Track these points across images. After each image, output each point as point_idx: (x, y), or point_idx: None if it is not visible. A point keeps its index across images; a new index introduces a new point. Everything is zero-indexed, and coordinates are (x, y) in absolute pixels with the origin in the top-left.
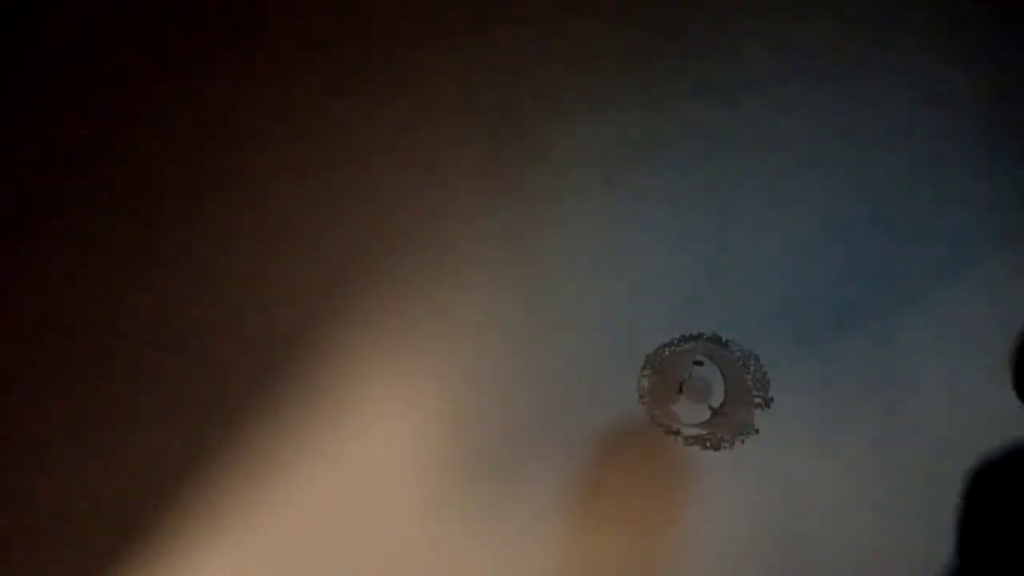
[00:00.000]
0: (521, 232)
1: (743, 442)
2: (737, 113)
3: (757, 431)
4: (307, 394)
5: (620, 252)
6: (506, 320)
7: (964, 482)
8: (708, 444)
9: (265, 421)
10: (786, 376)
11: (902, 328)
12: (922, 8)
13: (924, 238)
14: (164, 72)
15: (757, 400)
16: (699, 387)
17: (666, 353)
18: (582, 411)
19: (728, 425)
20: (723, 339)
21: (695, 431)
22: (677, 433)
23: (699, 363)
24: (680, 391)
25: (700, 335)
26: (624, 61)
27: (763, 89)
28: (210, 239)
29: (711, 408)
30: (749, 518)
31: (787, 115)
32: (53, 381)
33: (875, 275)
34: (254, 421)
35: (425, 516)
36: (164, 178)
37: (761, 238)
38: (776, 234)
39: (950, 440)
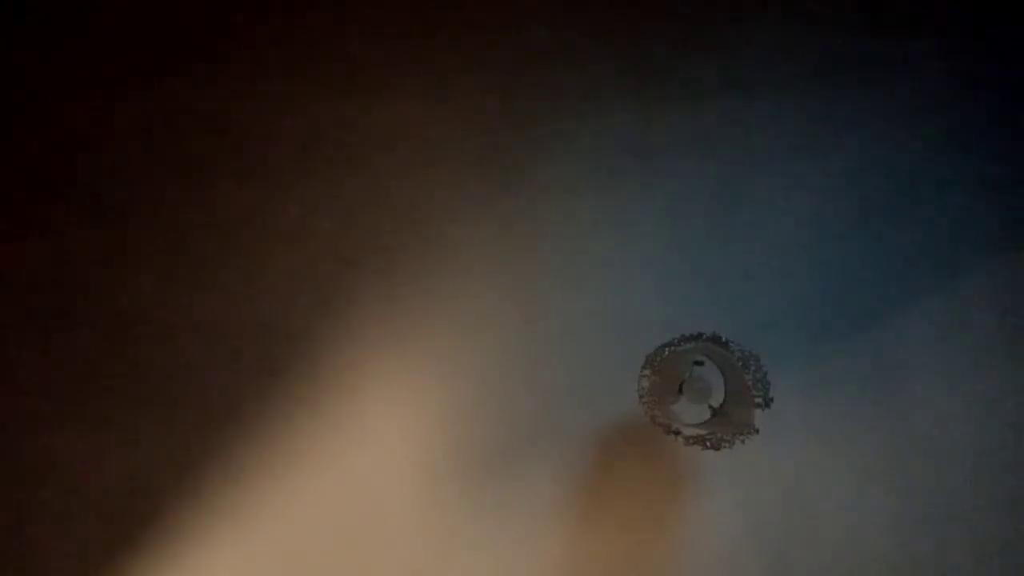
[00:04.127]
0: (521, 233)
1: (743, 442)
2: (736, 115)
3: (757, 431)
4: (308, 394)
5: (620, 253)
6: (506, 321)
7: None
8: (708, 444)
9: (265, 421)
10: (786, 376)
11: (902, 328)
12: (924, 13)
13: (924, 240)
14: (166, 73)
15: (757, 400)
16: (699, 387)
17: (666, 353)
18: (582, 411)
19: (728, 425)
20: (723, 339)
21: (695, 431)
22: (677, 433)
23: (699, 363)
24: (680, 391)
25: (700, 335)
26: (624, 64)
27: (762, 92)
28: (211, 240)
29: (711, 408)
30: (748, 517)
31: (786, 118)
32: (53, 381)
33: (875, 276)
34: (254, 421)
35: (425, 515)
36: (165, 178)
37: (761, 239)
38: (776, 235)
39: (949, 439)
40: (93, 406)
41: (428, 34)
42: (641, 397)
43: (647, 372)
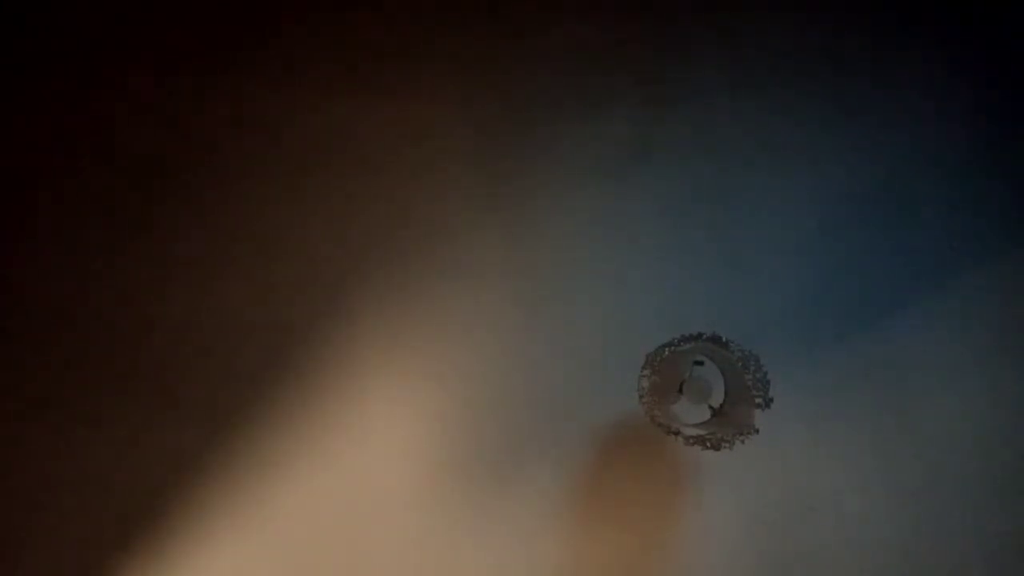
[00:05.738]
0: (521, 233)
1: (743, 442)
2: (736, 115)
3: (757, 431)
4: (308, 394)
5: (620, 252)
6: (506, 321)
7: None
8: (708, 444)
9: (266, 420)
10: (786, 376)
11: (901, 328)
12: (923, 15)
13: (924, 240)
14: (167, 73)
15: (757, 400)
16: (699, 387)
17: (666, 353)
18: (582, 411)
19: (728, 425)
20: (723, 339)
21: (695, 431)
22: (677, 433)
23: (699, 363)
24: (680, 391)
25: (700, 335)
26: (622, 64)
27: (762, 92)
28: (212, 241)
29: (711, 408)
30: (748, 517)
31: (786, 117)
32: (55, 381)
33: (875, 276)
34: (255, 421)
35: (425, 515)
36: (167, 179)
37: (761, 239)
38: (775, 235)
39: (949, 439)
40: (93, 406)
41: (428, 34)
42: (641, 397)
43: (647, 372)
